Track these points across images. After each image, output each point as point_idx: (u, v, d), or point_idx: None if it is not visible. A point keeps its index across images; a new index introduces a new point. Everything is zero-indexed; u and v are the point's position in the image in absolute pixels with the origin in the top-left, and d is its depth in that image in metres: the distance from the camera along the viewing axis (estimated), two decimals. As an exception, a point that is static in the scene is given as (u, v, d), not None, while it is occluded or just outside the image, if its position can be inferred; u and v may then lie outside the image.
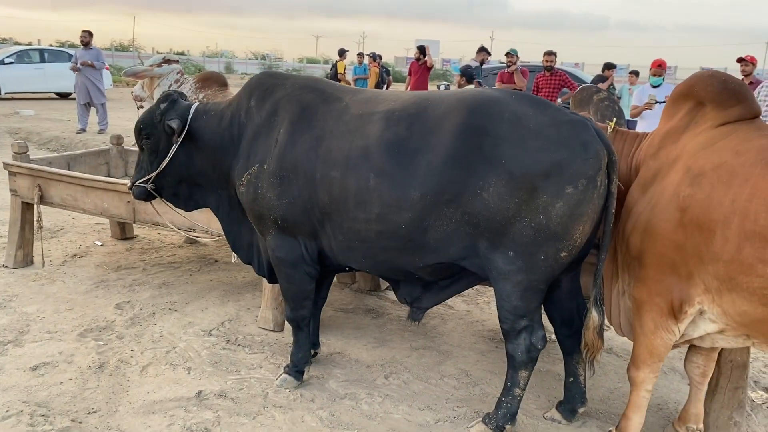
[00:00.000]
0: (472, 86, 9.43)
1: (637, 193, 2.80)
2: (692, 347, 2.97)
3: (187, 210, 3.75)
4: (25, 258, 5.06)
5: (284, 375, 3.42)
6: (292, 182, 3.02)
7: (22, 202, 4.95)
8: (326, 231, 3.05)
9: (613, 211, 2.76)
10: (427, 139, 2.80)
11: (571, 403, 3.19)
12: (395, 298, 4.71)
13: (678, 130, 2.77)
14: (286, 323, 4.03)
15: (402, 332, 4.17)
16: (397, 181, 2.80)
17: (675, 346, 2.79)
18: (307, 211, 3.03)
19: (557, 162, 2.62)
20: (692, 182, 2.50)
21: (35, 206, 4.85)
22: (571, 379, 3.19)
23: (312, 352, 3.64)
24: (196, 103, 3.50)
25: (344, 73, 14.05)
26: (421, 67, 11.65)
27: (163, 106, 3.38)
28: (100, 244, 5.72)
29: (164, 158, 3.38)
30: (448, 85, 14.08)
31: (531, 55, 11.83)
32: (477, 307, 4.74)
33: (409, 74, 12.33)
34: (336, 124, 3.02)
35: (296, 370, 3.42)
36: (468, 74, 8.99)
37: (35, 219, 4.90)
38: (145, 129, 3.42)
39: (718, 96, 2.67)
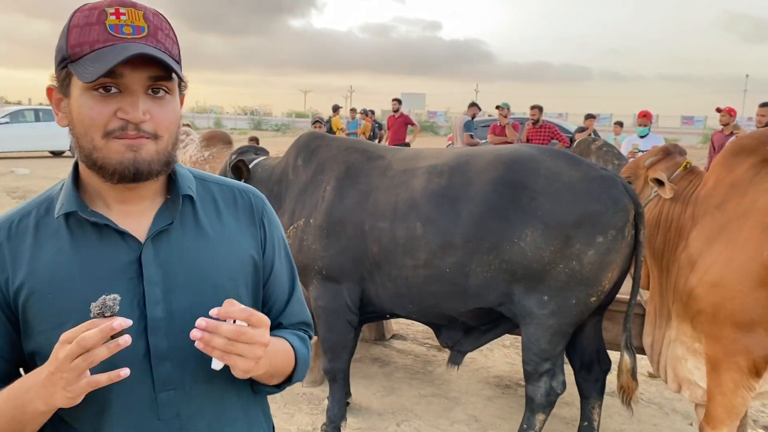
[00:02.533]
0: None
1: (701, 243, 2.78)
2: None
3: None
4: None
5: None
6: (340, 234, 3.18)
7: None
8: (375, 279, 3.18)
9: (642, 259, 2.95)
10: (468, 191, 3.00)
11: None
12: (400, 348, 4.84)
13: (743, 184, 2.77)
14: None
15: (410, 380, 4.27)
16: (441, 228, 2.98)
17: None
18: (356, 261, 3.18)
19: (589, 214, 2.84)
20: None
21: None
22: (586, 423, 3.28)
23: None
24: (261, 158, 3.79)
25: (343, 128, 14.36)
26: (398, 120, 12.13)
27: (233, 156, 3.73)
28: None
29: None
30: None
31: (516, 107, 12.24)
32: (481, 353, 4.85)
33: (388, 128, 12.76)
34: (381, 180, 3.22)
35: (333, 427, 3.43)
36: None
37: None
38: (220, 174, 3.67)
39: None
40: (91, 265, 1.07)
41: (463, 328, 3.32)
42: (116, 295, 0.95)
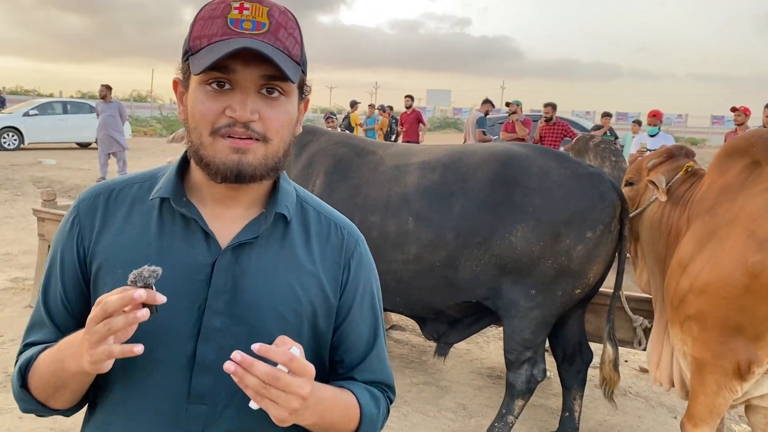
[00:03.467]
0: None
1: (691, 248, 2.77)
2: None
3: None
4: (49, 299, 5.35)
5: None
6: None
7: (49, 246, 5.27)
8: None
9: (627, 253, 3.08)
10: (462, 187, 3.09)
11: None
12: (398, 338, 4.96)
13: (733, 188, 2.75)
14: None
15: (404, 369, 4.39)
16: (433, 223, 3.07)
17: (732, 406, 2.77)
18: None
19: (579, 210, 2.96)
20: (760, 248, 2.48)
21: (61, 250, 5.17)
22: (567, 413, 3.38)
23: None
24: None
25: (361, 124, 14.48)
26: (410, 116, 12.25)
27: None
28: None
29: None
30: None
31: (542, 105, 12.15)
32: (477, 345, 4.96)
33: (400, 124, 12.86)
34: (373, 175, 3.31)
35: None
36: None
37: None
38: None
39: None
40: (167, 255, 1.05)
41: (448, 321, 3.41)
42: (158, 268, 0.90)
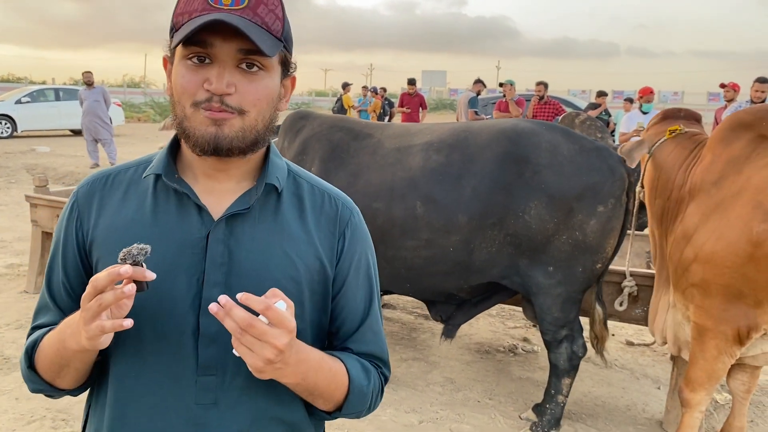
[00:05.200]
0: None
1: (696, 219, 2.83)
2: (737, 365, 3.02)
3: None
4: (44, 284, 5.41)
5: None
6: None
7: (42, 232, 5.33)
8: None
9: (628, 227, 3.15)
10: (471, 168, 3.04)
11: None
12: (389, 316, 5.03)
13: (739, 160, 2.80)
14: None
15: (393, 346, 4.47)
16: (444, 207, 3.02)
17: None
18: None
19: (590, 185, 2.96)
20: (765, 218, 2.56)
21: (54, 235, 5.22)
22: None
23: None
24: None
25: (354, 106, 14.48)
26: (414, 99, 12.27)
27: None
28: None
29: None
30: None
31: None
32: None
33: (400, 105, 12.86)
34: (373, 159, 3.22)
35: None
36: None
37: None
38: None
39: None
40: (163, 232, 1.07)
41: (456, 302, 3.39)
42: (146, 246, 0.93)
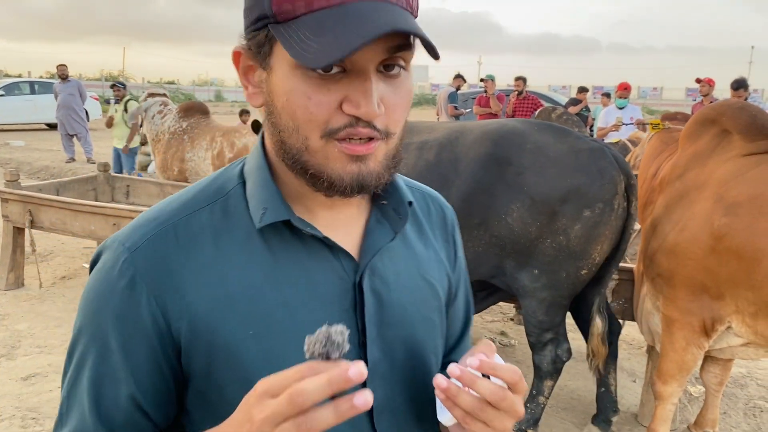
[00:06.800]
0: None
1: (661, 211, 2.89)
2: (709, 357, 3.06)
3: None
4: (16, 280, 5.32)
5: None
6: None
7: (14, 227, 5.23)
8: None
9: (631, 231, 2.98)
10: (456, 167, 2.99)
11: (605, 413, 3.35)
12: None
13: (703, 155, 2.85)
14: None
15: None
16: None
17: None
18: None
19: (575, 187, 2.84)
20: (727, 212, 2.57)
21: (27, 230, 5.13)
22: (603, 389, 3.36)
23: None
24: None
25: None
26: None
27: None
28: (87, 266, 5.98)
29: None
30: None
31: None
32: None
33: None
34: None
35: None
36: None
37: (29, 243, 5.17)
38: None
39: (746, 128, 2.73)
40: (299, 290, 0.80)
41: None
42: (342, 327, 0.64)
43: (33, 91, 18.72)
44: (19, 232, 5.27)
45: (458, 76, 11.62)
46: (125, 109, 8.68)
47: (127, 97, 8.99)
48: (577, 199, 2.84)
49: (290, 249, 0.81)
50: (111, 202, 5.98)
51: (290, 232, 0.81)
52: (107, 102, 8.94)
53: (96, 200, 5.93)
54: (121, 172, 8.74)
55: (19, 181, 5.26)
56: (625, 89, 8.75)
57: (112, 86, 9.34)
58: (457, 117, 10.71)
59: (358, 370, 0.59)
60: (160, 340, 0.77)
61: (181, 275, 0.77)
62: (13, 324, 4.53)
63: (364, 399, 0.60)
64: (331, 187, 0.76)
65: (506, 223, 2.91)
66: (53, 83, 19.84)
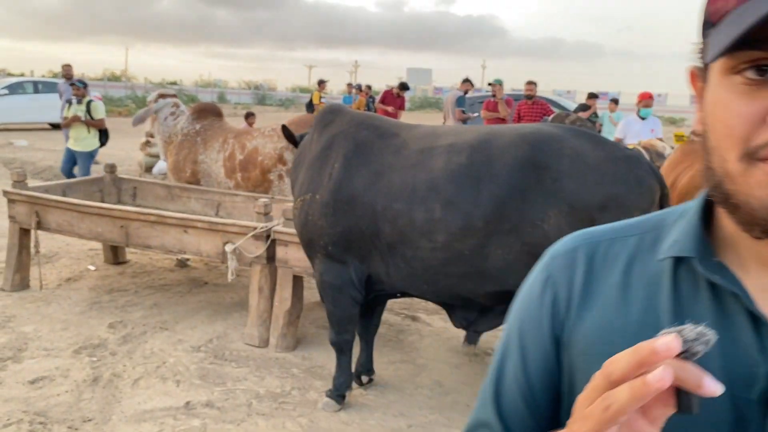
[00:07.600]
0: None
1: None
2: None
3: None
4: (22, 281, 5.28)
5: (327, 399, 3.55)
6: (348, 213, 3.18)
7: (20, 228, 5.19)
8: (386, 259, 3.17)
9: None
10: (489, 171, 2.94)
11: None
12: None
13: (683, 163, 3.01)
14: (270, 340, 4.27)
15: (381, 348, 4.40)
16: (461, 210, 2.94)
17: None
18: (364, 241, 3.18)
19: (614, 195, 2.82)
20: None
21: (32, 231, 5.09)
22: None
23: (367, 378, 3.83)
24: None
25: (320, 103, 14.50)
26: (398, 100, 12.47)
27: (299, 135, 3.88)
28: (93, 268, 5.95)
29: None
30: None
31: (523, 84, 12.07)
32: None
33: (381, 102, 12.88)
34: (396, 159, 3.17)
35: (338, 394, 3.54)
36: None
37: (32, 244, 5.13)
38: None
39: None
40: None
41: (478, 309, 3.31)
42: (708, 331, 0.53)
43: (36, 91, 18.72)
44: (25, 233, 5.22)
45: (466, 81, 11.59)
46: (87, 110, 8.66)
47: (88, 98, 8.92)
48: (616, 207, 2.80)
49: (699, 301, 0.69)
50: (117, 203, 5.93)
51: (709, 285, 0.68)
52: (68, 102, 8.82)
53: (102, 202, 5.89)
54: (70, 174, 8.66)
55: (26, 181, 5.22)
56: (648, 98, 8.43)
57: (72, 85, 9.25)
58: (464, 121, 10.67)
59: (670, 344, 0.50)
60: (551, 339, 0.77)
61: (582, 292, 0.76)
62: (19, 326, 4.49)
63: (657, 377, 0.49)
64: (753, 221, 0.62)
65: (542, 230, 2.84)
66: (57, 83, 19.88)
